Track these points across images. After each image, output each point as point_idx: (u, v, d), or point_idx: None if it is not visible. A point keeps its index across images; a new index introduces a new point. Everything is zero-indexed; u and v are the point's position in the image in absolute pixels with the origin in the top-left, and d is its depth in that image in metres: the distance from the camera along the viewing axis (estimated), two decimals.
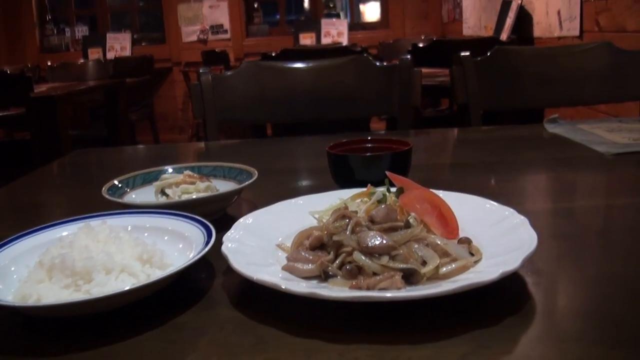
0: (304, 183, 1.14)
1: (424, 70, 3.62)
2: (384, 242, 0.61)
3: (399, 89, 1.68)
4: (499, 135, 1.48)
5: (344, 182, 0.89)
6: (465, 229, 0.70)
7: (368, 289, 0.56)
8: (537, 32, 3.64)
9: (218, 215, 0.88)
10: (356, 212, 0.69)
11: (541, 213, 0.86)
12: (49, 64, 4.87)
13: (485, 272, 0.57)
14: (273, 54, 3.25)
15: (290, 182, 1.11)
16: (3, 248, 0.66)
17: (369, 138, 0.95)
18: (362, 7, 7.62)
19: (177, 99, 6.57)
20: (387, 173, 0.74)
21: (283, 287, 0.55)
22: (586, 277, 0.64)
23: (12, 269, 0.64)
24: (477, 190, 0.79)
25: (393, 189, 0.74)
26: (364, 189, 0.75)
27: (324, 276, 0.61)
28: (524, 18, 3.81)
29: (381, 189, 0.74)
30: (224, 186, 0.92)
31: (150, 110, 5.75)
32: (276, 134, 3.25)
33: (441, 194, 0.74)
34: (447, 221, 0.70)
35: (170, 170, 0.96)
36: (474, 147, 1.36)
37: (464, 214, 0.72)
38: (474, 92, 1.68)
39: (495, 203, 0.74)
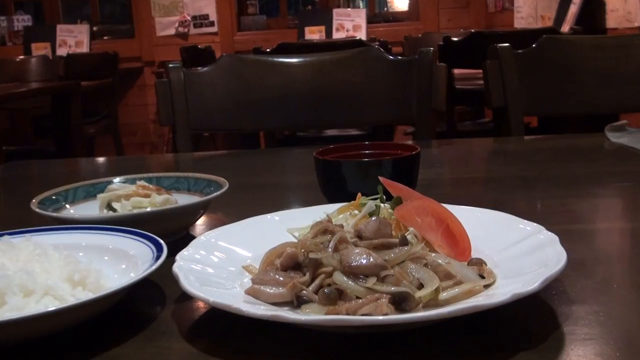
0: (291, 200, 1.17)
1: (460, 71, 3.66)
2: (372, 260, 0.63)
3: (417, 89, 1.72)
4: (545, 146, 1.51)
5: (334, 195, 0.92)
6: (479, 249, 0.72)
7: (347, 314, 0.58)
8: (612, 22, 3.67)
9: (179, 236, 0.90)
10: (342, 226, 0.72)
11: (583, 235, 0.88)
12: None
13: (496, 295, 0.59)
14: (268, 50, 3.31)
15: (274, 198, 1.15)
16: None
17: (367, 144, 0.98)
18: None
19: (148, 108, 6.66)
20: (382, 179, 0.77)
21: (242, 310, 0.57)
22: (631, 310, 0.66)
23: None
24: (505, 208, 0.81)
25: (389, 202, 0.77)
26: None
27: (296, 302, 0.63)
28: (594, 5, 3.83)
29: (374, 200, 0.76)
30: (187, 201, 0.95)
31: (114, 122, 5.82)
32: (269, 147, 3.30)
33: (452, 207, 0.77)
34: (455, 239, 0.72)
35: (119, 180, 1.00)
36: (510, 159, 1.39)
37: (479, 232, 0.74)
38: (514, 93, 1.71)
39: (519, 219, 0.76)
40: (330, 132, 3.56)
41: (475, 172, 1.37)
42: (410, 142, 1.59)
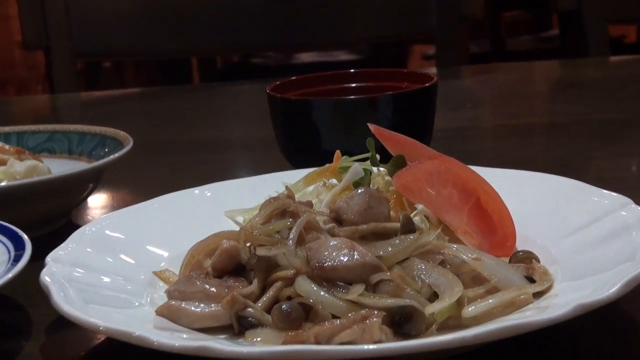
0: (234, 165, 1.18)
1: None
2: (357, 257, 0.64)
3: None
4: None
5: (299, 155, 0.92)
6: (528, 237, 0.73)
7: (317, 342, 0.59)
8: None
9: (54, 226, 0.91)
10: (310, 204, 0.72)
11: None
12: None
13: (552, 307, 0.60)
14: None
15: (206, 163, 1.15)
16: None
17: (352, 72, 0.98)
18: None
19: (11, 22, 6.62)
20: (373, 128, 0.77)
21: (151, 340, 0.57)
22: None
23: None
24: (573, 172, 0.83)
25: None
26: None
27: (237, 326, 0.64)
28: None
29: (362, 161, 0.77)
30: (67, 170, 0.94)
31: None
32: (206, 80, 3.28)
33: (486, 171, 0.77)
34: (491, 222, 0.73)
35: None
36: (585, 95, 1.40)
37: (529, 209, 0.75)
38: None
39: (593, 187, 0.77)
40: (307, 58, 3.53)
41: (527, 115, 1.37)
42: (433, 72, 1.59)
